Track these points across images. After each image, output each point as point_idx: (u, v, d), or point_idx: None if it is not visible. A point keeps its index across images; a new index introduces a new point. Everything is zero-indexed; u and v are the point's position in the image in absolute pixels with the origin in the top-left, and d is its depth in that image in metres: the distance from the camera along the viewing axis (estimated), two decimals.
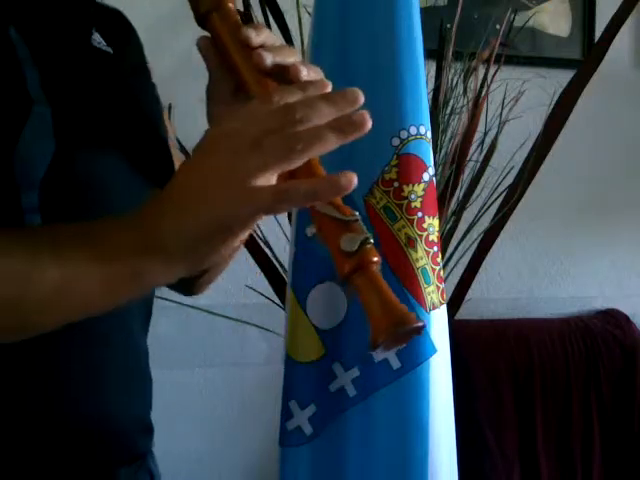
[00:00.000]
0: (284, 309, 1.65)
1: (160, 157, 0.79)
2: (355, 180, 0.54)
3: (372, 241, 0.56)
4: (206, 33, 0.68)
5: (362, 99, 0.56)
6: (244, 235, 0.55)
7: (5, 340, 0.59)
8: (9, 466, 0.66)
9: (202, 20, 0.67)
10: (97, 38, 0.76)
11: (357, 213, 0.57)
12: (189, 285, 0.92)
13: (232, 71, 0.66)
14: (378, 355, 1.18)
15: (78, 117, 0.69)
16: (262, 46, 0.65)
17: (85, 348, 0.71)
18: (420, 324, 0.54)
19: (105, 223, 0.58)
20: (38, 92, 0.65)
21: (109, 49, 0.76)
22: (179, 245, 0.55)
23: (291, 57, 0.64)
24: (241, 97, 0.67)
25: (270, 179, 0.54)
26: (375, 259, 0.56)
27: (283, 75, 0.63)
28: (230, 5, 0.67)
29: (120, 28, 0.83)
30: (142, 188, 0.73)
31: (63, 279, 0.55)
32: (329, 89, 0.58)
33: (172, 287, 0.93)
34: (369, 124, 0.54)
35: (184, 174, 0.56)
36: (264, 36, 0.66)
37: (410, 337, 0.55)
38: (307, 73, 0.63)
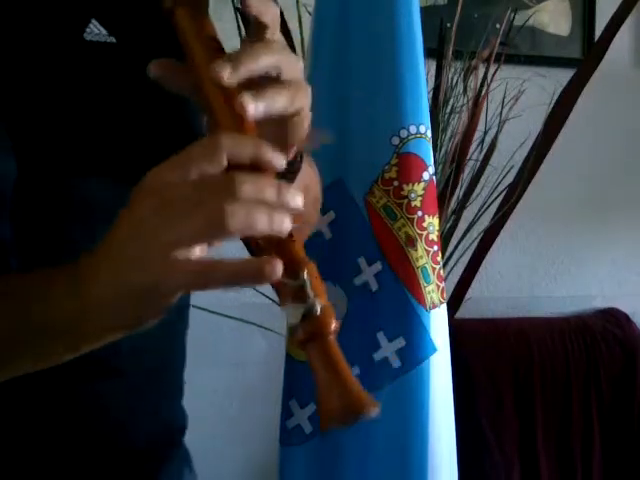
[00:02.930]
0: None
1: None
2: (279, 271, 0.47)
3: (319, 307, 0.49)
4: None
5: (301, 204, 0.49)
6: (174, 299, 0.49)
7: None
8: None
9: (166, 14, 0.56)
10: (95, 29, 0.66)
11: (305, 274, 0.50)
12: None
13: (194, 78, 0.54)
14: (379, 354, 1.18)
15: (46, 133, 0.62)
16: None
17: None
18: (373, 410, 0.48)
19: (47, 284, 0.53)
20: None
21: (111, 39, 0.67)
22: (103, 312, 0.50)
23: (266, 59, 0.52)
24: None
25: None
26: (331, 327, 0.49)
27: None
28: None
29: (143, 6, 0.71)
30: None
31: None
32: (279, 163, 0.49)
33: None
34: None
35: (112, 228, 0.50)
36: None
37: (364, 418, 0.49)
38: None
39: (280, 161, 0.49)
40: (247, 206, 0.46)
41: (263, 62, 0.52)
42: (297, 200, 0.48)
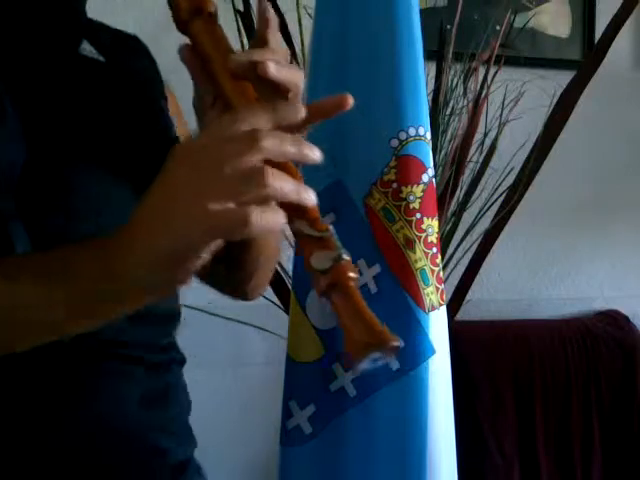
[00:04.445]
0: (284, 310, 1.66)
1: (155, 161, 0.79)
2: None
3: (347, 257, 0.55)
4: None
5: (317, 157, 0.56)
6: (204, 258, 0.54)
7: None
8: None
9: (183, 26, 0.65)
10: (87, 47, 0.77)
11: (331, 227, 0.56)
12: (241, 293, 0.92)
13: (212, 80, 0.64)
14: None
15: (52, 123, 0.70)
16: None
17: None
18: (397, 343, 0.53)
19: (77, 250, 0.58)
20: (4, 100, 0.66)
21: (101, 58, 0.78)
22: (138, 275, 0.54)
23: (269, 56, 0.61)
24: (220, 107, 0.65)
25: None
26: (351, 275, 0.55)
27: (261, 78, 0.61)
28: (211, 10, 0.64)
29: (131, 47, 0.85)
30: (126, 197, 0.72)
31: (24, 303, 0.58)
32: (302, 114, 0.56)
33: (226, 293, 0.93)
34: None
35: (150, 194, 0.55)
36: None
37: (388, 354, 0.54)
38: (276, 70, 0.60)
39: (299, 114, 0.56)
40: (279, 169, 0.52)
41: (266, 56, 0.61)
42: (316, 153, 0.55)
